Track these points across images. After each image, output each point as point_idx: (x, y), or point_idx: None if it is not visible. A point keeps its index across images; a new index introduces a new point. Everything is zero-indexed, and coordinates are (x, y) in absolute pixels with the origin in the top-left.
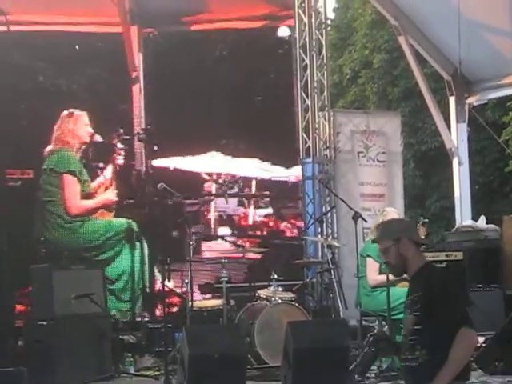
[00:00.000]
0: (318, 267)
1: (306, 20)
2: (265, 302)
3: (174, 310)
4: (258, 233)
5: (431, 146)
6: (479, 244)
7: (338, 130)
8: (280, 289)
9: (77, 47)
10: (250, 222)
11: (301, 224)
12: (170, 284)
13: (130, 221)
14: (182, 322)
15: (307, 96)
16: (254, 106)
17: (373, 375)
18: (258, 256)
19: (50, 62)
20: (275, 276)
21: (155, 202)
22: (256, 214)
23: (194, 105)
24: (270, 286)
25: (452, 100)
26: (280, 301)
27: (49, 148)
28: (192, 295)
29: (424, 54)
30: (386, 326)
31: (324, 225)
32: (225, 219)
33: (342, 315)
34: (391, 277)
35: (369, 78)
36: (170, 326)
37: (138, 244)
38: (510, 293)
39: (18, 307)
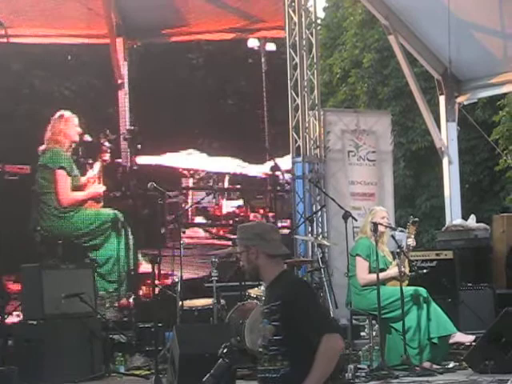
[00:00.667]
0: (308, 266)
1: (296, 19)
2: (255, 301)
3: (157, 291)
4: (230, 222)
5: (421, 146)
6: (469, 243)
7: (328, 129)
8: None
9: (69, 57)
10: (223, 212)
11: (269, 214)
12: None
13: (116, 211)
14: (172, 322)
15: (297, 95)
16: (226, 109)
17: (363, 374)
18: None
19: (44, 70)
20: None
21: (138, 195)
22: (228, 206)
23: (173, 108)
24: (260, 285)
25: (442, 99)
26: None
27: (42, 147)
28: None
29: (414, 53)
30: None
31: (314, 224)
32: (200, 209)
33: (332, 314)
34: (381, 275)
35: (359, 78)
36: (160, 325)
37: (123, 232)
38: (499, 291)
39: (14, 286)
